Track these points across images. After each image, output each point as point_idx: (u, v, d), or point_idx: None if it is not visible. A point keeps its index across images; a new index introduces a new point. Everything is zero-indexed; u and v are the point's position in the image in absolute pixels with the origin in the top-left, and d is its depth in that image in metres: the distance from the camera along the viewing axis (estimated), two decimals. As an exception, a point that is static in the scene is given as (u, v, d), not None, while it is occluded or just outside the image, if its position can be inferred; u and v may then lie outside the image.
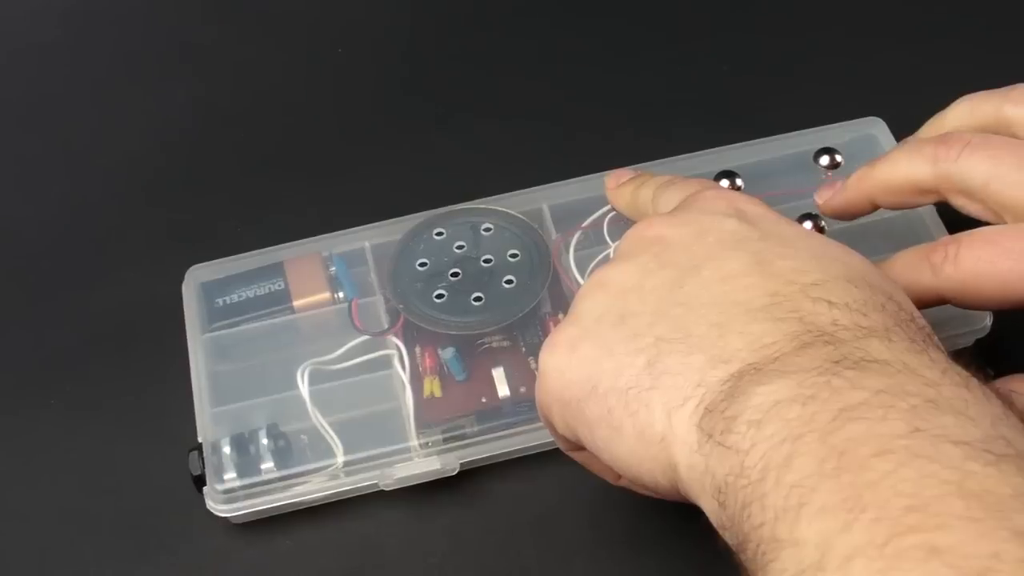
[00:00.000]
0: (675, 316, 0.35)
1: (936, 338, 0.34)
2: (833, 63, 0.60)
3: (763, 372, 0.31)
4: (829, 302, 0.33)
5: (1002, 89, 0.43)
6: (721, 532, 0.31)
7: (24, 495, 0.49)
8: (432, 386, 0.47)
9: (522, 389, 0.47)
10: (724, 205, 0.39)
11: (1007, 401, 0.30)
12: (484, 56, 0.63)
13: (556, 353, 0.37)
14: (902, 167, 0.42)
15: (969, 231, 0.40)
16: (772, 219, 0.38)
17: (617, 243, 0.41)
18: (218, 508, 0.45)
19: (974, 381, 0.30)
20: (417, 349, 0.48)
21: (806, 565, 0.27)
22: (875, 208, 0.45)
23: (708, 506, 0.32)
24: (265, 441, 0.46)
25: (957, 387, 0.30)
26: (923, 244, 0.41)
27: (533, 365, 0.47)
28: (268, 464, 0.45)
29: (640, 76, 0.61)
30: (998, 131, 0.42)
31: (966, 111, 0.44)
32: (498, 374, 0.47)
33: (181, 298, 0.51)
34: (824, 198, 0.46)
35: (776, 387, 0.30)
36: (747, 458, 0.30)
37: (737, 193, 0.40)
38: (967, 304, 0.41)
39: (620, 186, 0.49)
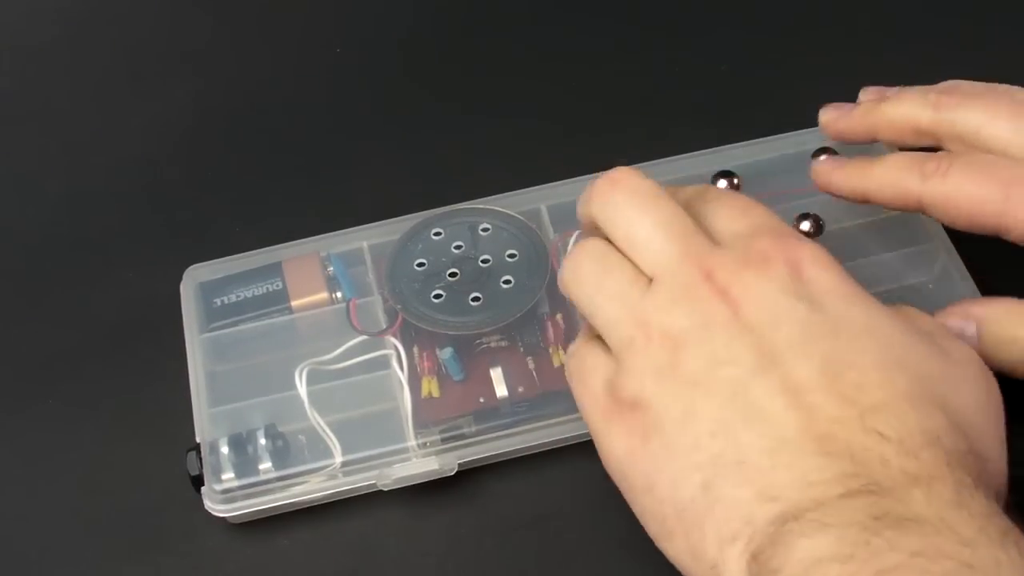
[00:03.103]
0: (735, 432, 0.35)
1: (986, 467, 0.34)
2: (832, 63, 0.60)
3: (805, 521, 0.32)
4: (881, 435, 0.33)
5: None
6: None
7: (21, 495, 0.49)
8: (430, 386, 0.47)
9: (520, 389, 0.47)
10: (788, 273, 0.37)
11: None
12: (482, 56, 0.63)
13: (632, 436, 0.37)
14: (905, 108, 0.45)
15: (966, 152, 0.43)
16: (841, 294, 0.37)
17: (651, 251, 0.38)
18: (216, 508, 0.45)
19: (1010, 537, 0.31)
20: (415, 349, 0.48)
21: None
22: (874, 140, 0.47)
23: None
24: (263, 441, 0.46)
25: (992, 547, 0.30)
26: (919, 153, 0.43)
27: (531, 365, 0.47)
28: (266, 464, 0.45)
29: (638, 76, 0.61)
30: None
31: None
32: (496, 374, 0.47)
33: (179, 298, 0.51)
34: (829, 117, 0.48)
35: (817, 542, 0.31)
36: None
37: (799, 244, 0.38)
38: (940, 218, 0.43)
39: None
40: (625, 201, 0.40)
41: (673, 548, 0.36)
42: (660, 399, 0.37)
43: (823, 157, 0.49)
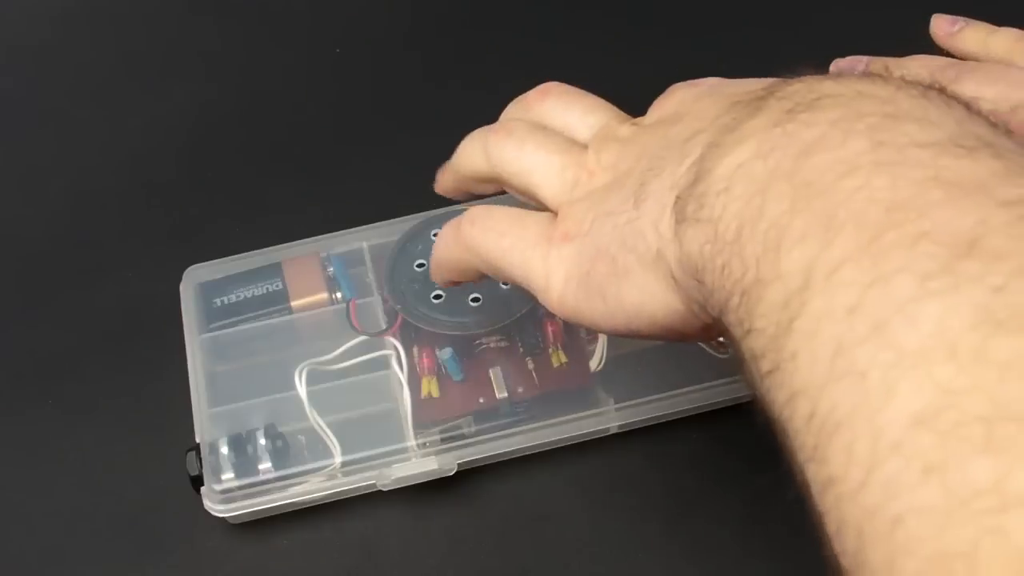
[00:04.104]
0: (654, 159, 0.35)
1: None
2: (831, 62, 0.60)
3: (722, 146, 0.31)
4: (787, 85, 0.33)
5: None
6: (724, 328, 0.30)
7: (22, 495, 0.49)
8: (430, 386, 0.47)
9: (520, 389, 0.47)
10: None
11: (972, 106, 0.29)
12: (482, 56, 0.63)
13: (572, 243, 0.37)
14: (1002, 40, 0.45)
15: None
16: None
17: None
18: (216, 508, 0.45)
19: (933, 91, 0.30)
20: (415, 349, 0.48)
21: (792, 292, 0.26)
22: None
23: (696, 294, 0.31)
24: (263, 441, 0.46)
25: (914, 98, 0.29)
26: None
27: (531, 365, 0.47)
28: (266, 464, 0.45)
29: (637, 76, 0.61)
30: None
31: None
32: (496, 374, 0.47)
33: (179, 298, 0.51)
34: (944, 31, 0.48)
35: (737, 153, 0.30)
36: (720, 224, 0.29)
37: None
38: None
39: None
40: (557, 101, 0.43)
41: (630, 287, 0.34)
42: (600, 201, 0.37)
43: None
